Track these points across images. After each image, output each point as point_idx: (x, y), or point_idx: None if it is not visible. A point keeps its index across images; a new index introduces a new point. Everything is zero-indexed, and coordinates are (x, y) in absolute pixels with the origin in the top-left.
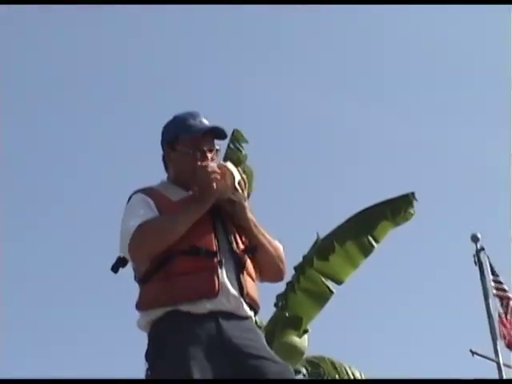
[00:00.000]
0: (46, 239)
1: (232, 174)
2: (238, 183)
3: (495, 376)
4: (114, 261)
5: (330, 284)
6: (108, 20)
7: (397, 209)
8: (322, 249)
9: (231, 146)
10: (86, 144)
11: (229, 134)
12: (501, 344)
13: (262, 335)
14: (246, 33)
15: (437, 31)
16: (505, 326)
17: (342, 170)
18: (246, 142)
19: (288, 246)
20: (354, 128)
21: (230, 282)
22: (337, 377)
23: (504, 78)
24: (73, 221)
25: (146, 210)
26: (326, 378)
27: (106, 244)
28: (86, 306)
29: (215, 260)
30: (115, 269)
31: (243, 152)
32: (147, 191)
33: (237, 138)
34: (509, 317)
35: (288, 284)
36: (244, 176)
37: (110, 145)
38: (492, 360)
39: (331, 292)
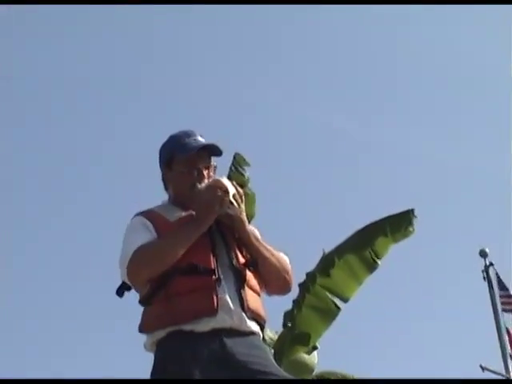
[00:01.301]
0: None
1: (226, 188)
2: (233, 196)
3: None
4: (118, 285)
5: (337, 300)
6: (103, 22)
7: (396, 226)
8: (326, 265)
9: (233, 169)
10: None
11: (225, 152)
12: (511, 359)
13: (269, 351)
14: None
15: (439, 44)
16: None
17: (346, 186)
18: (248, 164)
19: (295, 263)
20: (356, 143)
21: (231, 298)
22: None
23: (505, 89)
24: (73, 233)
25: (145, 233)
26: None
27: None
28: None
29: (213, 277)
30: (120, 293)
31: (246, 175)
32: (146, 214)
33: (238, 162)
34: None
35: (295, 301)
36: (240, 189)
37: (108, 161)
38: (502, 375)
39: (338, 308)
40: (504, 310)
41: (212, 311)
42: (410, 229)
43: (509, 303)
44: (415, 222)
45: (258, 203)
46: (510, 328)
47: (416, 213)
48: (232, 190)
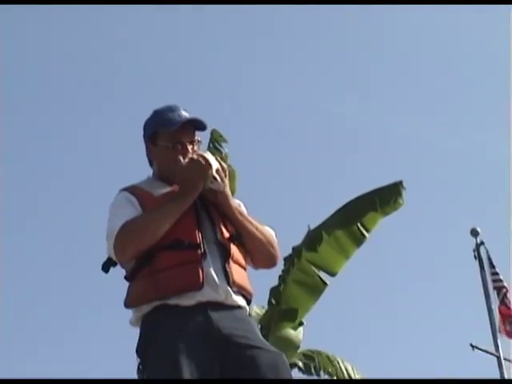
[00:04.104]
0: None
1: (209, 162)
2: (217, 171)
3: (495, 370)
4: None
5: (323, 275)
6: (100, 20)
7: (385, 198)
8: (313, 240)
9: (211, 146)
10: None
11: (207, 129)
12: (501, 338)
13: (255, 324)
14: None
15: (435, 31)
16: (502, 315)
17: (337, 160)
18: (226, 141)
19: (281, 239)
20: (351, 123)
21: (216, 272)
22: (330, 371)
23: (503, 76)
24: (63, 220)
25: (130, 209)
26: (321, 371)
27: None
28: (80, 305)
29: (199, 252)
30: (106, 268)
31: (223, 152)
32: (130, 189)
33: (216, 138)
34: (502, 306)
35: (281, 276)
36: (224, 164)
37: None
38: (492, 354)
39: (324, 283)
40: (494, 289)
41: (197, 285)
42: (400, 201)
43: (496, 280)
44: (404, 193)
45: (243, 179)
46: (499, 306)
47: (405, 184)
48: (215, 165)
